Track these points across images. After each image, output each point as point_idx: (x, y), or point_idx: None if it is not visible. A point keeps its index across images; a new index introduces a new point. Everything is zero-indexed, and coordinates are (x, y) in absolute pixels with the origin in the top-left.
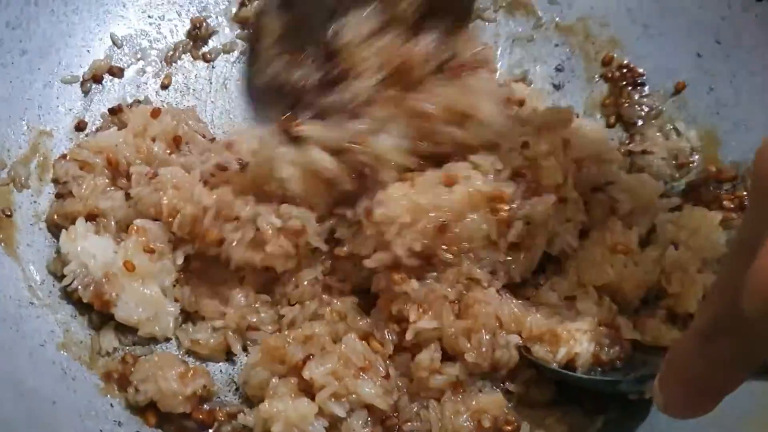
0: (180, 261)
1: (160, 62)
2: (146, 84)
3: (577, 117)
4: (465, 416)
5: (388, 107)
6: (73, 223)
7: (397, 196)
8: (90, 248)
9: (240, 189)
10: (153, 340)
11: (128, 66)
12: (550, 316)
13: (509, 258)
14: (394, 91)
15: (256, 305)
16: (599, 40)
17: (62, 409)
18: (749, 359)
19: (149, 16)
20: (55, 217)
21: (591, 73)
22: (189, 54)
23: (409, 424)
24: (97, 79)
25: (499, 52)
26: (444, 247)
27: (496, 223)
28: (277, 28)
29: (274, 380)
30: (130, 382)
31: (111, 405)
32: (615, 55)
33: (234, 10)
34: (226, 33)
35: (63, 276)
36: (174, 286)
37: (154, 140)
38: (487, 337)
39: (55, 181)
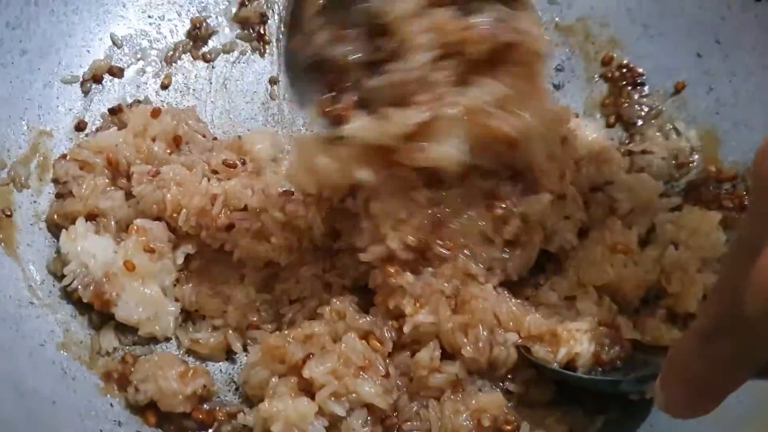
0: (180, 260)
1: (160, 62)
2: (146, 84)
3: (577, 117)
4: (464, 415)
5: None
6: (73, 223)
7: None
8: (90, 248)
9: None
10: (153, 339)
11: (128, 66)
12: (550, 316)
13: (505, 255)
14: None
15: (257, 304)
16: (599, 40)
17: (62, 408)
18: (750, 360)
19: (149, 16)
20: (55, 217)
21: (591, 73)
22: (189, 54)
23: (408, 423)
24: (97, 79)
25: None
26: (439, 242)
27: (492, 219)
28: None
29: (273, 380)
30: (130, 382)
31: (111, 405)
32: (615, 55)
33: (234, 10)
34: (226, 33)
35: (63, 276)
36: (174, 285)
37: (154, 140)
38: (485, 332)
39: (55, 181)
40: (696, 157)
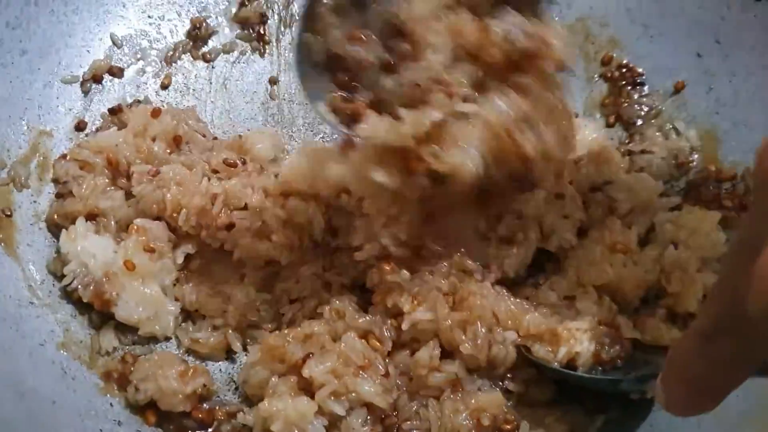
0: (180, 260)
1: (160, 62)
2: (146, 84)
3: (577, 117)
4: (464, 415)
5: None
6: (73, 222)
7: None
8: (90, 248)
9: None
10: (153, 339)
11: (128, 66)
12: (550, 316)
13: (501, 252)
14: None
15: (257, 303)
16: (599, 40)
17: (62, 408)
18: (750, 358)
19: (149, 17)
20: (55, 216)
21: (590, 73)
22: (189, 54)
23: (408, 422)
24: (97, 79)
25: None
26: (432, 239)
27: (486, 216)
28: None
29: (273, 379)
30: (130, 382)
31: (111, 404)
32: (614, 55)
33: (234, 10)
34: (225, 33)
35: (63, 276)
36: (174, 285)
37: (154, 140)
38: (483, 330)
39: (55, 180)
40: (696, 156)
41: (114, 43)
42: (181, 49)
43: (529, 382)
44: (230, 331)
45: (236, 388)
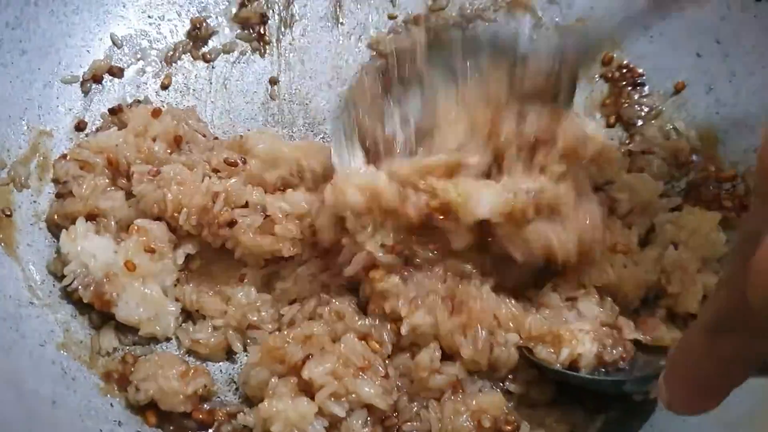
0: (181, 260)
1: (160, 62)
2: (146, 84)
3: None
4: (465, 416)
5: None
6: (73, 223)
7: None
8: (90, 248)
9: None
10: (153, 339)
11: (128, 66)
12: (551, 317)
13: (500, 265)
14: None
15: (257, 304)
16: None
17: (62, 408)
18: (753, 355)
19: (149, 17)
20: (56, 217)
21: (591, 73)
22: (189, 54)
23: (408, 423)
24: (97, 79)
25: None
26: (422, 245)
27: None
28: (376, 89)
29: (273, 380)
30: (130, 382)
31: (111, 405)
32: (615, 55)
33: (234, 10)
34: (226, 33)
35: (63, 276)
36: (175, 285)
37: (154, 140)
38: (483, 333)
39: (56, 181)
40: (696, 157)
41: (114, 43)
42: (181, 49)
43: (530, 383)
44: (231, 332)
45: (237, 389)
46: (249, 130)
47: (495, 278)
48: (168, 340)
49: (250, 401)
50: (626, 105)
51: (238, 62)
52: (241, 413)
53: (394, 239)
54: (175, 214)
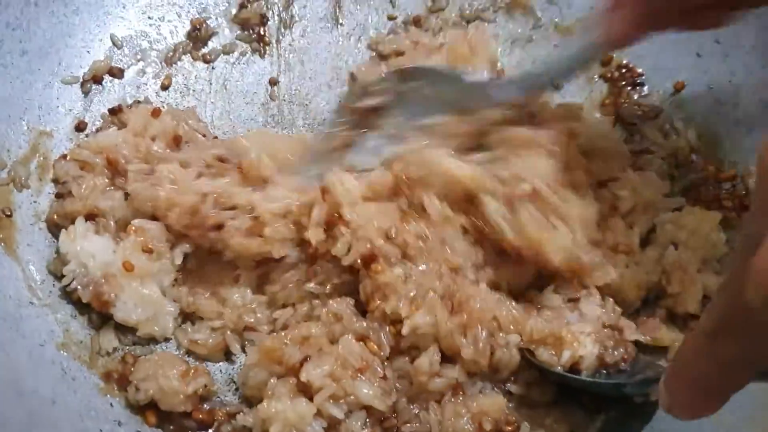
0: (179, 260)
1: (160, 63)
2: (146, 85)
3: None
4: (466, 419)
5: None
6: (72, 222)
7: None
8: (89, 248)
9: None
10: (153, 340)
11: (128, 67)
12: (553, 319)
13: (495, 259)
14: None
15: (253, 305)
16: None
17: (62, 408)
18: (754, 358)
19: (149, 18)
20: (55, 217)
21: (590, 74)
22: (189, 55)
23: (408, 425)
24: (97, 80)
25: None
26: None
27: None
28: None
29: (272, 380)
30: (130, 382)
31: (111, 405)
32: (614, 55)
33: (234, 11)
34: (225, 34)
35: (63, 276)
36: (173, 285)
37: (153, 139)
38: (484, 333)
39: (55, 181)
40: (695, 157)
41: (114, 44)
42: (181, 50)
43: (531, 384)
44: (228, 333)
45: (236, 389)
46: (249, 130)
47: (490, 273)
48: (167, 340)
49: (250, 401)
50: (626, 105)
51: (238, 63)
52: (241, 413)
53: (389, 223)
54: (167, 213)
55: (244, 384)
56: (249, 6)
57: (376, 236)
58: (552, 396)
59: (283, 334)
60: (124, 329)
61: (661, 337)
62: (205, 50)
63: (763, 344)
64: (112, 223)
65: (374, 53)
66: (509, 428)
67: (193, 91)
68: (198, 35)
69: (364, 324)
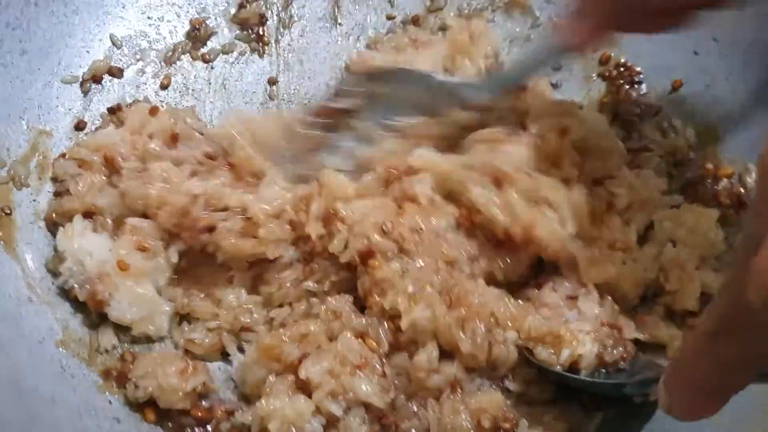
0: (175, 259)
1: (160, 63)
2: (146, 84)
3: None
4: (464, 415)
5: None
6: (70, 221)
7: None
8: (86, 246)
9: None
10: (150, 338)
11: (128, 66)
12: (552, 317)
13: (491, 252)
14: None
15: (248, 306)
16: None
17: (61, 406)
18: (755, 359)
19: (149, 18)
20: (54, 215)
21: (588, 72)
22: (188, 55)
23: (407, 422)
24: (97, 80)
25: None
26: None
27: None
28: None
29: (271, 378)
30: (129, 379)
31: (110, 402)
32: (612, 54)
33: (233, 11)
34: (225, 34)
35: (60, 274)
36: (169, 284)
37: (151, 137)
38: (482, 326)
39: (54, 179)
40: (693, 154)
41: (114, 44)
42: (180, 49)
43: (529, 382)
44: (225, 334)
45: (235, 387)
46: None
47: (484, 264)
48: (162, 339)
49: (248, 399)
50: (624, 103)
51: (237, 63)
52: (240, 411)
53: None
54: (157, 211)
55: (242, 382)
56: (248, 6)
57: (372, 232)
58: (551, 394)
59: (281, 331)
60: (122, 327)
61: (659, 335)
62: (204, 50)
63: (763, 345)
64: (109, 221)
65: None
66: (507, 425)
67: (193, 90)
68: (197, 35)
69: (363, 320)
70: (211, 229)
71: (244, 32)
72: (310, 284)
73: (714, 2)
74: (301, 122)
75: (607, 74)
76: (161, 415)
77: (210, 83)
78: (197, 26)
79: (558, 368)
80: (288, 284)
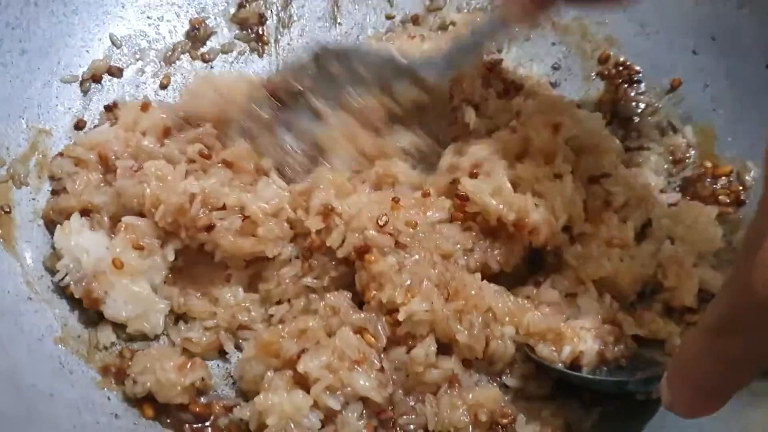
0: (171, 257)
1: (159, 62)
2: (145, 84)
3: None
4: (461, 410)
5: None
6: (68, 218)
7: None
8: (83, 243)
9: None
10: (147, 336)
11: (127, 66)
12: (552, 314)
13: (485, 243)
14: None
15: (246, 304)
16: (596, 39)
17: (60, 402)
18: (755, 356)
19: (148, 17)
20: (51, 213)
21: (588, 71)
22: (188, 54)
23: (404, 417)
24: (96, 79)
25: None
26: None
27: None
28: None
29: (269, 373)
30: (128, 375)
31: (108, 398)
32: (611, 53)
33: (233, 11)
34: (224, 33)
35: (57, 271)
36: (165, 283)
37: (144, 134)
38: (480, 318)
39: (51, 177)
40: (692, 153)
41: (113, 44)
42: (180, 49)
43: (527, 377)
44: (222, 332)
45: (233, 383)
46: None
47: (480, 255)
48: (157, 338)
49: (247, 395)
50: (623, 102)
51: (237, 62)
52: (238, 406)
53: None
54: (153, 210)
55: (241, 377)
56: (248, 5)
57: (368, 226)
58: (548, 390)
59: (280, 327)
60: (121, 325)
61: (657, 331)
62: (203, 49)
63: (765, 342)
64: (106, 219)
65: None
66: (505, 420)
67: None
68: (197, 35)
69: (361, 315)
70: (209, 228)
71: (244, 32)
72: (309, 280)
73: None
74: (261, 97)
75: (607, 73)
76: (159, 410)
77: None
78: (197, 26)
79: (560, 365)
80: (287, 281)
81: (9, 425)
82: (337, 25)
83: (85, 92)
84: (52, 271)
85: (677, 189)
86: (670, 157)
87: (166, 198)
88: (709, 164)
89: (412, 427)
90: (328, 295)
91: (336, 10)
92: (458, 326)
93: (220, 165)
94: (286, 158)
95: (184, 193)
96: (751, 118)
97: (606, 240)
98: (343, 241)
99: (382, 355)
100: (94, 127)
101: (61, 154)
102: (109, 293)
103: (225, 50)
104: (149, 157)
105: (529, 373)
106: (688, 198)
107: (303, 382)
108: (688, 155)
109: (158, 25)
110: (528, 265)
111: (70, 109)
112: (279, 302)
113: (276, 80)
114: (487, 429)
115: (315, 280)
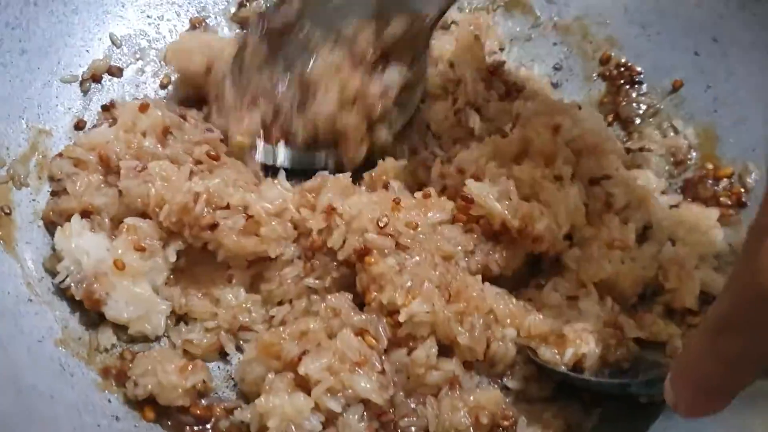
0: (173, 258)
1: (159, 62)
2: (145, 83)
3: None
4: (463, 412)
5: None
6: (68, 220)
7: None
8: (84, 245)
9: None
10: (149, 338)
11: (127, 66)
12: (553, 317)
13: (487, 246)
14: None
15: (247, 305)
16: (597, 39)
17: (60, 404)
18: (758, 355)
19: (148, 17)
20: (51, 214)
21: (589, 72)
22: None
23: (405, 419)
24: (96, 79)
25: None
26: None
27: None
28: (262, 51)
29: (270, 376)
30: (129, 377)
31: (109, 400)
32: (613, 54)
33: (233, 10)
34: (224, 33)
35: (57, 273)
36: (166, 284)
37: (144, 135)
38: (480, 320)
39: (51, 179)
40: (694, 154)
41: (113, 43)
42: None
43: (528, 379)
44: (223, 333)
45: (234, 385)
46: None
47: (481, 257)
48: (158, 339)
49: (248, 398)
50: (624, 103)
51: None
52: (239, 409)
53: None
54: (157, 210)
55: (242, 379)
56: (248, 5)
57: (368, 228)
58: (549, 391)
59: (281, 329)
60: (121, 326)
61: (658, 333)
62: None
63: (766, 339)
64: (106, 220)
65: None
66: (506, 423)
67: None
68: None
69: (362, 317)
70: (213, 226)
71: (244, 31)
72: (310, 281)
73: None
74: (248, 42)
75: (608, 74)
76: (160, 413)
77: None
78: (197, 25)
79: (562, 368)
80: (289, 281)
81: (9, 427)
82: None
83: (85, 92)
84: (53, 273)
85: (678, 191)
86: (671, 159)
87: (171, 198)
88: (710, 166)
89: (413, 429)
90: (329, 297)
91: None
92: (459, 328)
93: (226, 165)
94: (277, 98)
95: (189, 192)
96: (753, 119)
97: (607, 242)
98: (343, 243)
99: (383, 357)
100: (93, 127)
101: (60, 155)
102: (110, 294)
103: None
104: (153, 157)
105: (530, 375)
106: (689, 200)
107: (304, 384)
108: (689, 157)
109: (158, 25)
110: (529, 267)
111: (70, 109)
112: (280, 303)
113: (262, 14)
114: (488, 431)
115: (317, 281)
